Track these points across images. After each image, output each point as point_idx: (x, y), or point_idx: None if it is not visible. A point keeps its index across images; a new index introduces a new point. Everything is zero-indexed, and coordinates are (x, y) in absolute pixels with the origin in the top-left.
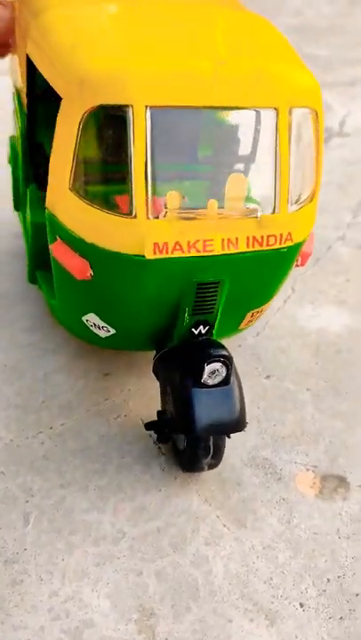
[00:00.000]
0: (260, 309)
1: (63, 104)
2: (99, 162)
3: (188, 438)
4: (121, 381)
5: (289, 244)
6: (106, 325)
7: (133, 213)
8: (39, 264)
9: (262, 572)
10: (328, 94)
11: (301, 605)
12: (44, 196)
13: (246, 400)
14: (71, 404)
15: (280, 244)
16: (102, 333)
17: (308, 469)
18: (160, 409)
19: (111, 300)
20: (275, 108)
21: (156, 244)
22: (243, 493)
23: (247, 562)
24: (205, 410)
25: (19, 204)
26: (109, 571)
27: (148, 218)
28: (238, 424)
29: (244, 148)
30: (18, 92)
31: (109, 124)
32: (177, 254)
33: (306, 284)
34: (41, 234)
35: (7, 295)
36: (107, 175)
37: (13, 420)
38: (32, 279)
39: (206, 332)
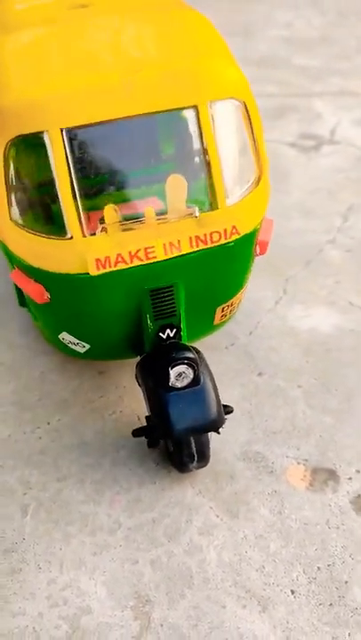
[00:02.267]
0: (229, 303)
1: None
2: (29, 189)
3: (172, 442)
4: (115, 379)
5: (236, 237)
6: (80, 341)
7: (69, 234)
8: None
9: (254, 561)
10: (319, 103)
11: (293, 592)
12: None
13: (239, 396)
14: (67, 401)
15: (226, 238)
16: (79, 349)
17: (299, 463)
18: (147, 414)
19: (75, 318)
20: (194, 106)
21: (97, 260)
22: (235, 486)
23: (240, 551)
24: (179, 412)
25: None
26: (106, 559)
27: (84, 236)
28: (215, 422)
29: (173, 149)
30: None
31: (31, 151)
32: (121, 266)
33: (297, 286)
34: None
35: (0, 297)
36: (39, 200)
37: (10, 416)
38: (22, 302)
39: (174, 334)
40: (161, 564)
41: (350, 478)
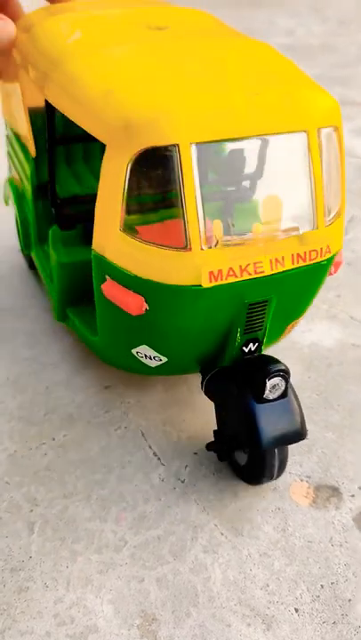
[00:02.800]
0: (298, 320)
1: (108, 150)
2: (147, 201)
3: (252, 453)
4: (120, 394)
5: (328, 255)
6: (158, 355)
7: (188, 246)
8: (69, 302)
9: (259, 579)
10: None
11: (296, 610)
12: (69, 237)
13: None
14: (72, 416)
15: (321, 256)
16: (153, 363)
17: (302, 480)
18: (216, 428)
19: (165, 331)
20: (305, 131)
21: (211, 273)
22: (239, 503)
23: (244, 569)
24: (269, 424)
25: (29, 246)
26: (112, 577)
27: (201, 249)
28: (300, 433)
29: (279, 171)
30: (16, 135)
31: (156, 163)
32: (231, 280)
33: None
34: (69, 273)
35: (7, 310)
36: (156, 213)
37: (16, 431)
38: (62, 317)
39: (256, 348)
40: (167, 582)
41: (353, 495)
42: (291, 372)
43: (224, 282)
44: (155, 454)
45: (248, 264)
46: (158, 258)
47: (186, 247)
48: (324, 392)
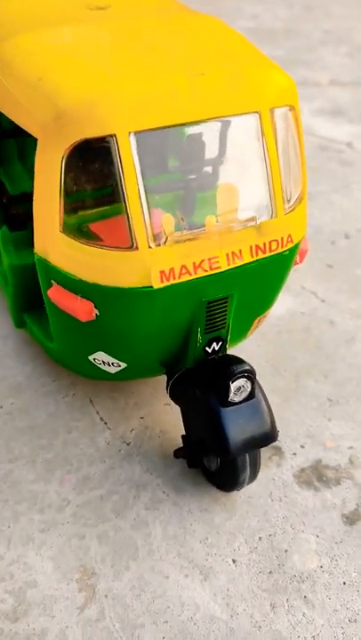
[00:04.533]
0: (264, 314)
1: (40, 144)
2: (87, 198)
3: (222, 460)
4: None
5: (290, 245)
6: (116, 361)
7: (134, 245)
8: (24, 307)
9: (198, 533)
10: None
11: (234, 561)
12: (20, 237)
13: None
14: (20, 385)
15: (282, 247)
16: (113, 369)
17: None
18: (183, 433)
19: (120, 335)
20: (257, 112)
21: (162, 272)
22: (183, 464)
23: (184, 524)
24: (236, 428)
25: None
26: (53, 536)
27: (149, 247)
28: (270, 435)
29: (231, 157)
30: None
31: (93, 156)
32: (185, 278)
33: None
34: (22, 276)
35: None
36: (97, 210)
37: None
38: (20, 324)
39: (220, 347)
40: (107, 538)
41: (295, 454)
42: (243, 342)
43: (177, 281)
44: (101, 419)
45: (203, 260)
46: (104, 259)
47: (132, 247)
48: (272, 359)
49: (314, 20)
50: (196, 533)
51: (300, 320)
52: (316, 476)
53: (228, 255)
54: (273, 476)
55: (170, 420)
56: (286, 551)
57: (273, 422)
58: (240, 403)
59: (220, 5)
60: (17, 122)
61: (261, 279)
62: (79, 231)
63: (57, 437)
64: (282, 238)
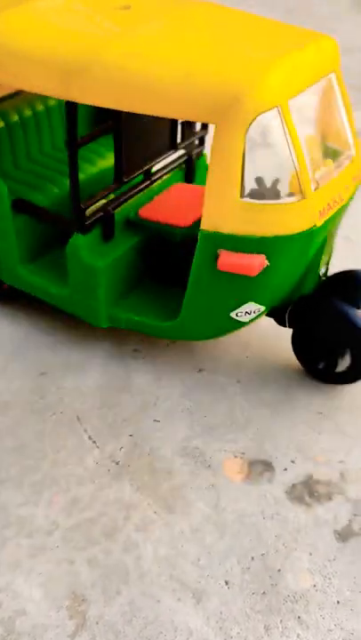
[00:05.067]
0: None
1: (219, 128)
2: (262, 162)
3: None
4: (57, 379)
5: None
6: (259, 307)
7: (304, 195)
8: (114, 301)
9: (190, 554)
10: None
11: (227, 583)
12: (93, 240)
13: (178, 394)
14: (8, 403)
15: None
16: (248, 318)
17: (236, 456)
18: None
19: (275, 280)
20: (332, 72)
21: (320, 212)
22: (173, 481)
23: (176, 545)
24: None
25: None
26: (42, 561)
27: (312, 192)
28: None
29: (327, 109)
30: None
31: (264, 127)
32: (329, 213)
33: None
34: (113, 272)
35: None
36: (267, 173)
37: None
38: (110, 321)
39: (325, 271)
40: (98, 562)
41: (285, 469)
42: (229, 353)
43: (326, 216)
44: (90, 438)
45: (334, 196)
46: (280, 213)
47: (304, 196)
48: (260, 370)
49: (296, 23)
50: (187, 554)
51: (288, 329)
52: (308, 491)
53: (344, 189)
54: (264, 492)
55: (159, 437)
56: (279, 570)
57: None
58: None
59: None
60: (169, 115)
61: (343, 210)
62: (259, 193)
63: (45, 458)
64: (359, 172)
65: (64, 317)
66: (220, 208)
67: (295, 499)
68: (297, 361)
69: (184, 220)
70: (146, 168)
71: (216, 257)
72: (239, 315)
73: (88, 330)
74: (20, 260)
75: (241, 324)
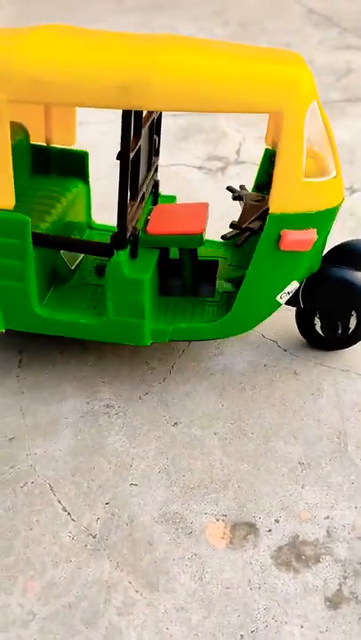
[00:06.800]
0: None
1: (286, 116)
2: (311, 145)
3: None
4: (26, 445)
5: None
6: (296, 285)
7: (334, 174)
8: (155, 314)
9: (176, 637)
10: (223, 122)
11: None
12: (126, 257)
13: (155, 451)
14: None
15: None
16: (285, 299)
17: (217, 519)
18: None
19: (312, 254)
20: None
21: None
22: (154, 553)
23: (160, 628)
24: None
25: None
26: None
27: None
28: None
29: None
30: None
31: (311, 112)
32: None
33: None
34: (152, 287)
35: None
36: (317, 153)
37: None
38: (154, 337)
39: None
40: None
41: (270, 530)
42: (203, 404)
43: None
44: (64, 509)
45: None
46: (327, 188)
47: (334, 175)
48: (238, 420)
49: (250, 37)
50: (173, 638)
51: (263, 374)
52: (295, 554)
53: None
54: (250, 559)
55: (137, 503)
56: None
57: None
58: None
59: (155, 25)
60: (237, 111)
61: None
62: (317, 171)
63: (17, 536)
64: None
65: (29, 374)
66: (288, 190)
67: (282, 564)
68: (272, 407)
69: (194, 228)
70: (145, 186)
71: (277, 239)
72: (282, 296)
73: (56, 387)
74: (38, 301)
75: (277, 306)
